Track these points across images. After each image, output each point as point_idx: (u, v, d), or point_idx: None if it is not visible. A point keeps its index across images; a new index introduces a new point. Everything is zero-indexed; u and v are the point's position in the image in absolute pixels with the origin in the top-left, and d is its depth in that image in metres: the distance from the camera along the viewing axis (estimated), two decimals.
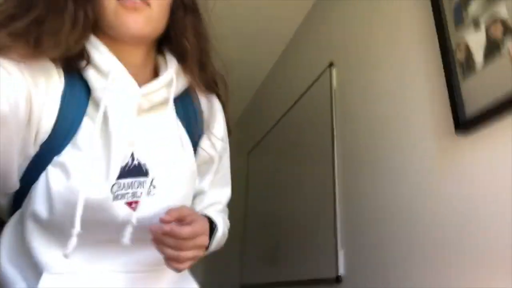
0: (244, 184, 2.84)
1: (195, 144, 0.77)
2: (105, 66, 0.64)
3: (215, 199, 0.81)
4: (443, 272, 1.02)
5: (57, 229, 0.62)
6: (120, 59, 0.66)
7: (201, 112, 0.79)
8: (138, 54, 0.71)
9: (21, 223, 0.65)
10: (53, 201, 0.60)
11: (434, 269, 1.04)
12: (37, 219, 0.63)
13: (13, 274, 0.65)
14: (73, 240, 0.59)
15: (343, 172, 1.58)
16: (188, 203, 0.73)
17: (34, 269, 0.63)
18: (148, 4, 0.65)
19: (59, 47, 0.58)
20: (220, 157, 0.82)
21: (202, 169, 0.79)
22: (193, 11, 0.75)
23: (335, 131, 1.67)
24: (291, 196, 2.06)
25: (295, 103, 2.17)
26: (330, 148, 1.67)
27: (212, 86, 0.80)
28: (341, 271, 1.47)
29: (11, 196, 0.67)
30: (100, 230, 0.64)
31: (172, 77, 0.70)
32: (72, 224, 0.59)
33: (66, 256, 0.60)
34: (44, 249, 0.63)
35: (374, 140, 1.42)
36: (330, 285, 1.51)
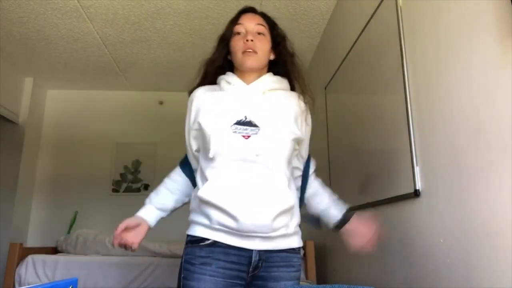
0: (324, 118, 2.92)
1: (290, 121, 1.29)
2: (230, 79, 1.32)
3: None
4: None
5: (207, 157, 1.21)
6: (243, 79, 1.31)
7: (295, 104, 1.32)
8: (252, 75, 1.32)
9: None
10: (206, 141, 1.22)
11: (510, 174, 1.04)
12: (200, 154, 1.31)
13: (199, 183, 1.27)
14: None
15: (414, 91, 1.57)
16: (286, 142, 1.23)
17: (205, 179, 1.22)
18: (255, 52, 1.28)
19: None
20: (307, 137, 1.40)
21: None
22: (291, 55, 1.38)
23: (404, 50, 1.65)
24: (367, 123, 2.10)
25: (363, 30, 2.13)
26: (400, 68, 1.66)
27: (304, 91, 1.35)
28: (419, 185, 1.52)
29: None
30: (231, 154, 1.19)
31: (264, 79, 1.32)
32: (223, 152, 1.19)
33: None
34: (206, 167, 1.23)
35: (441, 51, 1.38)
36: (410, 199, 1.58)
